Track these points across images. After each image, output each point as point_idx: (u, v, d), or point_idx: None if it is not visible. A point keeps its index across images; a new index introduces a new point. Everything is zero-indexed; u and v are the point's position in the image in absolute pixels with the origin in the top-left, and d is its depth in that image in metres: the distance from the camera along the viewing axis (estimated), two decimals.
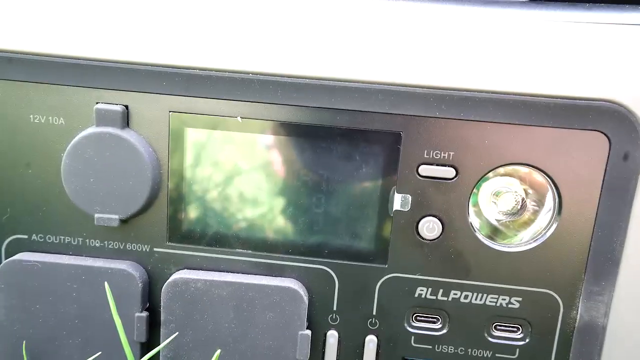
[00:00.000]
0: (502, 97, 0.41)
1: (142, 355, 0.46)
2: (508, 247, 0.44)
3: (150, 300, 0.47)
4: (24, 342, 0.46)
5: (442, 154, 0.42)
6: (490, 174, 0.43)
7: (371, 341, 0.46)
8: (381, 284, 0.45)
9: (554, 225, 0.43)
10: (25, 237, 0.47)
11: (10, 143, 0.45)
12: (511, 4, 0.42)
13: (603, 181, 0.41)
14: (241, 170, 0.45)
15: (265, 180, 0.45)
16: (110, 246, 0.46)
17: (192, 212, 0.45)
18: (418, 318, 0.46)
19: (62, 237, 0.46)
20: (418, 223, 0.44)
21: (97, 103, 0.43)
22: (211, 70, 0.42)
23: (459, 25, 0.41)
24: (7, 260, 0.45)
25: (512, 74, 0.40)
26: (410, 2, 0.42)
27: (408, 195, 0.43)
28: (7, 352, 0.47)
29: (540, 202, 0.44)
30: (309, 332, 0.45)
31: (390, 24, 0.41)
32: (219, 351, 0.43)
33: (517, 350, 0.45)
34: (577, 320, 0.44)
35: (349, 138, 0.43)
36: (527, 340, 0.45)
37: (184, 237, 0.46)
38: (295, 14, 0.41)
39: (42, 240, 0.47)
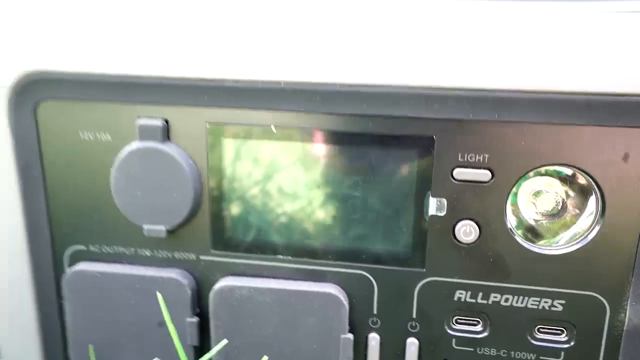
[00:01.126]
0: (538, 96, 0.39)
1: (196, 358, 0.49)
2: (548, 249, 0.42)
3: (200, 306, 0.49)
4: (91, 346, 0.50)
5: (477, 157, 0.41)
6: (531, 173, 0.42)
7: (412, 344, 0.46)
8: (420, 288, 0.45)
9: (597, 227, 0.41)
10: (84, 247, 0.49)
11: (65, 159, 0.47)
12: None
13: None
14: (278, 178, 0.45)
15: (303, 187, 0.45)
16: (159, 255, 0.48)
17: (233, 221, 0.47)
18: (459, 321, 0.46)
19: (116, 248, 0.49)
20: (454, 227, 0.43)
21: (138, 117, 0.45)
22: (245, 81, 0.42)
23: (488, 22, 0.39)
24: (70, 270, 0.48)
25: (547, 71, 0.38)
26: (437, 1, 0.41)
27: (443, 199, 0.43)
28: (77, 357, 0.50)
29: (581, 204, 0.42)
30: (351, 335, 0.46)
31: (420, 26, 0.40)
32: (265, 358, 0.45)
33: (562, 353, 0.44)
34: (626, 324, 0.42)
35: (382, 144, 0.43)
36: (572, 343, 0.44)
37: (227, 244, 0.47)
38: (327, 22, 0.41)
39: (99, 250, 0.49)
